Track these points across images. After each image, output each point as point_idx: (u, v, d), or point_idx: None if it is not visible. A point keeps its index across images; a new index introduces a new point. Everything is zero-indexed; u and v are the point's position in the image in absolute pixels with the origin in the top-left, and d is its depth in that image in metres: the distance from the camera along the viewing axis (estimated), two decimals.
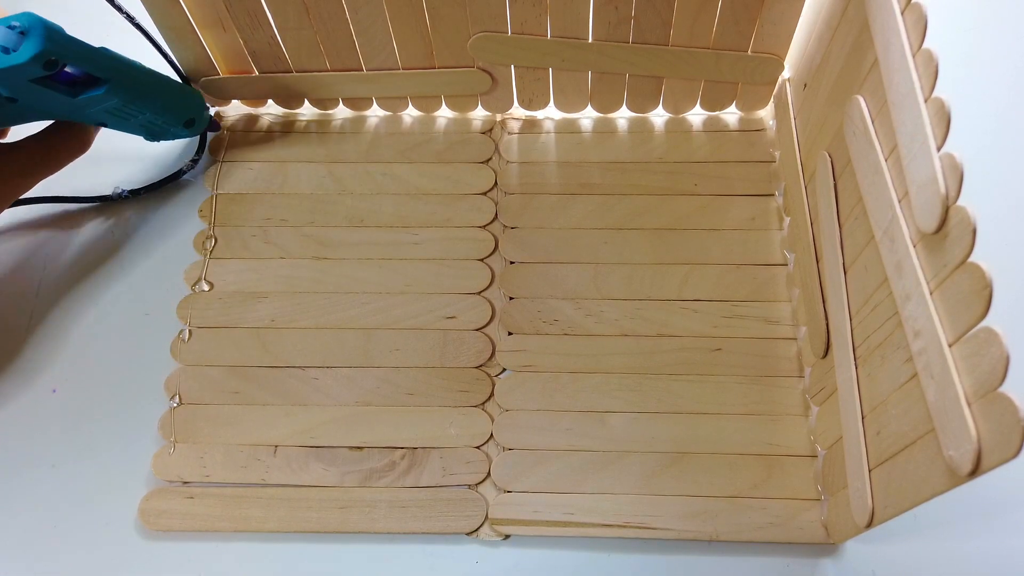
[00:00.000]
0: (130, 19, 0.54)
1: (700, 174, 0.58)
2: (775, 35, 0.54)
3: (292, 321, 0.54)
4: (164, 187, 0.60)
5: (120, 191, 0.58)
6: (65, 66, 0.45)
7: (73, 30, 0.53)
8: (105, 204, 0.59)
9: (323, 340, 0.53)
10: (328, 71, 0.59)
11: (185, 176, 0.60)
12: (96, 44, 0.48)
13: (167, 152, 0.62)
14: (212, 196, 0.59)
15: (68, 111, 0.48)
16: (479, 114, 0.62)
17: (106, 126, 0.51)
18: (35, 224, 0.59)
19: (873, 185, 0.40)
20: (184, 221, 0.58)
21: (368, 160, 0.60)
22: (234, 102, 0.63)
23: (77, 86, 0.47)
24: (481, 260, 0.56)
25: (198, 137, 0.61)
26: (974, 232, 0.30)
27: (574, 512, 0.47)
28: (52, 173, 0.52)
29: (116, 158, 0.61)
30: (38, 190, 0.54)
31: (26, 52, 0.42)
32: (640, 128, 0.61)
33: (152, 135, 0.54)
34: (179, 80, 0.55)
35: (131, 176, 0.60)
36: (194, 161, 0.60)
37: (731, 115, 0.61)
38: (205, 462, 0.49)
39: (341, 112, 0.63)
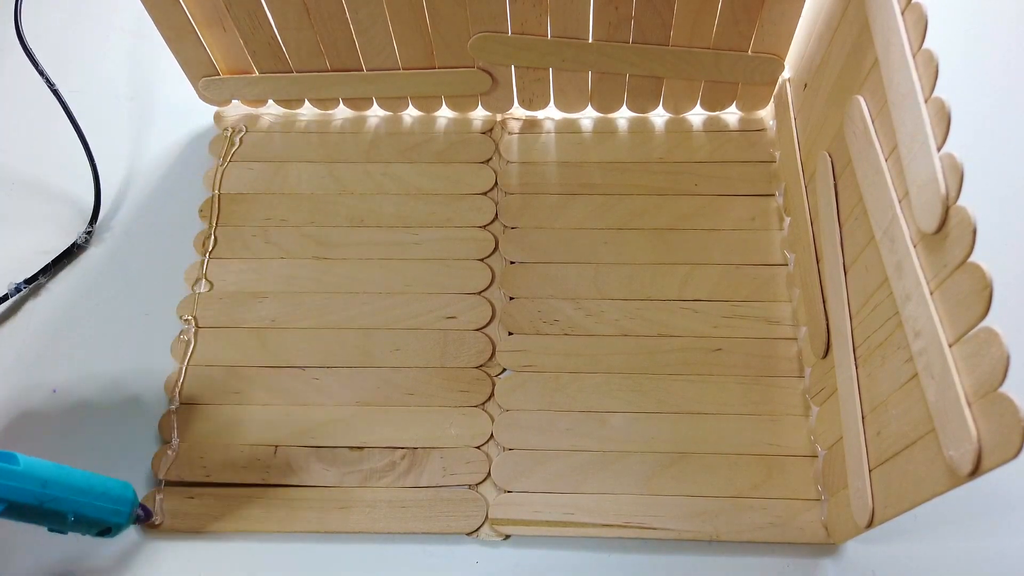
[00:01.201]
0: (51, 87, 0.56)
1: (700, 174, 0.58)
2: (775, 35, 0.54)
3: (292, 321, 0.54)
4: (59, 266, 0.56)
5: (16, 286, 0.55)
6: None
7: (74, 28, 0.53)
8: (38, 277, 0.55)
9: (323, 340, 0.53)
10: (328, 71, 0.59)
11: (79, 247, 0.57)
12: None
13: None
14: (212, 196, 0.59)
15: None
16: (479, 114, 0.62)
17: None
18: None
19: (873, 185, 0.40)
20: (184, 221, 0.58)
21: (368, 160, 0.60)
22: (234, 102, 0.63)
23: None
24: (481, 260, 0.56)
25: (92, 199, 0.58)
26: (974, 232, 0.30)
27: (574, 512, 0.47)
28: None
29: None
30: None
31: None
32: (640, 128, 0.61)
33: (56, 532, 0.43)
34: (106, 484, 0.43)
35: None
36: (88, 233, 0.57)
37: (731, 115, 0.61)
38: (205, 462, 0.49)
39: (341, 112, 0.63)
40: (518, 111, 0.62)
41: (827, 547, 0.46)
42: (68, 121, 0.57)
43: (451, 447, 0.49)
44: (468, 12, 0.54)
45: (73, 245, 0.57)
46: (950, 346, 0.32)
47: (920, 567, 0.45)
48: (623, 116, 0.61)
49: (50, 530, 0.42)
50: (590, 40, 0.55)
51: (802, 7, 0.52)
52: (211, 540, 0.47)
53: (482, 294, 0.55)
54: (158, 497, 0.48)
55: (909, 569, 0.45)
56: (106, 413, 0.52)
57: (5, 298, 0.55)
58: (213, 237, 0.57)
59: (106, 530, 0.44)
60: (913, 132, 0.35)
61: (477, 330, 0.53)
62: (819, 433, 0.48)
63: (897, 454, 0.36)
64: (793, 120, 0.55)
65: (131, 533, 0.47)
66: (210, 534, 0.47)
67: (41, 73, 0.55)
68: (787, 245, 0.55)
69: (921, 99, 0.35)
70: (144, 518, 0.46)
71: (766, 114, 0.61)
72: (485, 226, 0.57)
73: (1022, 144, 0.59)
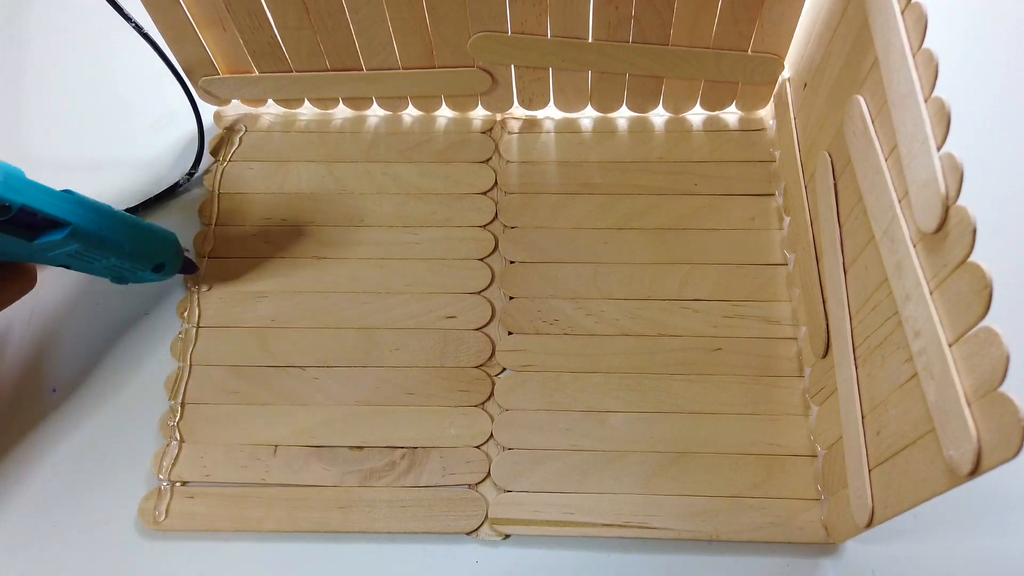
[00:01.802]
0: (137, 28, 0.55)
1: (700, 174, 0.58)
2: (775, 35, 0.54)
3: (292, 321, 0.54)
4: (161, 202, 0.59)
5: None
6: (19, 210, 0.41)
7: (71, 30, 0.53)
8: None
9: (323, 340, 0.53)
10: (328, 71, 0.59)
11: (181, 188, 0.60)
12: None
13: (162, 159, 0.61)
14: (212, 196, 0.59)
15: (24, 254, 0.44)
16: (479, 114, 0.62)
17: (69, 268, 0.47)
18: None
19: (873, 185, 0.40)
20: (184, 221, 0.58)
21: (368, 160, 0.60)
22: (234, 102, 0.63)
23: (35, 230, 0.43)
24: (481, 260, 0.56)
25: (196, 147, 0.60)
26: (974, 232, 0.30)
27: (574, 512, 0.47)
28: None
29: (113, 165, 0.61)
30: None
31: None
32: (640, 128, 0.61)
33: (118, 279, 0.49)
34: (151, 224, 0.50)
35: (127, 184, 0.60)
36: (190, 174, 0.60)
37: (731, 115, 0.61)
38: (205, 462, 0.49)
39: (341, 112, 0.63)
40: (518, 111, 0.62)
41: (827, 547, 0.46)
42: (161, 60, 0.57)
43: (451, 447, 0.49)
44: (468, 12, 0.54)
45: (175, 185, 0.59)
46: (950, 346, 0.32)
47: (920, 567, 0.45)
48: (623, 116, 0.61)
49: (113, 280, 0.49)
50: (590, 40, 0.55)
51: (802, 7, 0.52)
52: (211, 540, 0.47)
53: (482, 294, 0.55)
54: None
55: (909, 569, 0.45)
56: (106, 413, 0.52)
57: None
58: (213, 237, 0.57)
59: (159, 266, 0.50)
60: (913, 132, 0.35)
61: (477, 330, 0.53)
62: (819, 433, 0.48)
63: (897, 454, 0.36)
64: (793, 120, 0.55)
65: (130, 531, 0.48)
66: (210, 534, 0.47)
67: (128, 19, 0.55)
68: (787, 245, 0.55)
69: (921, 99, 0.35)
70: (190, 268, 0.54)
71: (766, 114, 0.61)
72: (485, 226, 0.57)
73: (1022, 144, 0.59)
